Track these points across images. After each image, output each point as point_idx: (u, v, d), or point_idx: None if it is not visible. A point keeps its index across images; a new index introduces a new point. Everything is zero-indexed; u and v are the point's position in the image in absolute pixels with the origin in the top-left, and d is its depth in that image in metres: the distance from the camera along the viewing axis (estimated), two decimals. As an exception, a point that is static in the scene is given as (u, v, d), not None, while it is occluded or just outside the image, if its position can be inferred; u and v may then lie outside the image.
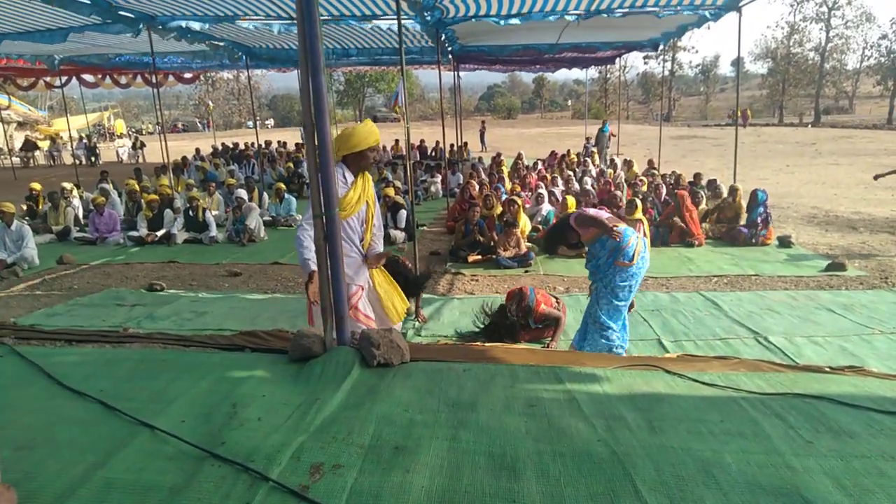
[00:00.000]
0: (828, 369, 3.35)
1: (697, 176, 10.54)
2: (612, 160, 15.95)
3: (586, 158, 16.30)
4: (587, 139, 20.53)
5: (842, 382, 3.10)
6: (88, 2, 7.30)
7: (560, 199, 9.62)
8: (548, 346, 4.58)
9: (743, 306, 5.62)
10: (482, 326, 4.79)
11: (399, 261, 5.26)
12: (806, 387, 3.00)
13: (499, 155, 16.43)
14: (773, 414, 2.69)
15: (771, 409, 2.73)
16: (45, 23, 8.79)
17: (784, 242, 8.16)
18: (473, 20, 9.06)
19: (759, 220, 8.27)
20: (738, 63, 11.20)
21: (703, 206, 9.26)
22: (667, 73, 49.49)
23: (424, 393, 2.93)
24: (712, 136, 31.64)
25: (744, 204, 8.73)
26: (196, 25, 8.92)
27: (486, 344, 4.38)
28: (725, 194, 9.21)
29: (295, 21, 8.67)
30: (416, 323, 5.26)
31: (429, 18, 8.75)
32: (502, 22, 8.95)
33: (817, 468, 2.26)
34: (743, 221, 8.56)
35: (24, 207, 10.60)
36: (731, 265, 7.29)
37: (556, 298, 5.06)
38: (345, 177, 3.71)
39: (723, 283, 6.62)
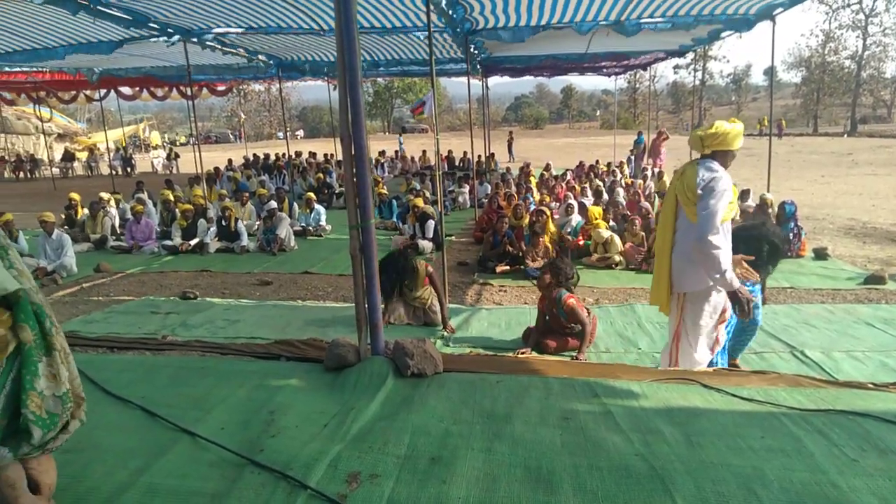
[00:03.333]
0: (871, 385, 3.27)
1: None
2: (644, 170, 15.81)
3: (615, 169, 16.19)
4: (630, 151, 20.35)
5: (887, 399, 3.02)
6: (129, 17, 7.54)
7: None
8: (575, 359, 4.54)
9: (778, 319, 5.51)
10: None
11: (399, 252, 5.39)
12: (849, 403, 2.93)
13: (527, 165, 16.42)
14: (816, 430, 2.64)
15: (813, 426, 2.68)
16: (92, 36, 9.09)
17: (820, 255, 7.98)
18: (502, 32, 9.11)
19: (791, 235, 8.11)
20: (771, 73, 11.04)
21: (736, 217, 9.12)
22: (697, 82, 48.93)
23: (459, 404, 2.94)
24: (745, 146, 30.96)
25: (774, 212, 8.59)
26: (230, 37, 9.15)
27: (518, 356, 4.37)
28: (757, 206, 9.04)
29: (325, 31, 8.78)
30: (445, 333, 5.27)
31: (458, 30, 8.83)
32: (524, 36, 9.01)
33: (864, 488, 2.20)
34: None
35: (63, 216, 10.91)
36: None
37: (588, 310, 5.02)
38: (712, 169, 3.37)
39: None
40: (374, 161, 20.41)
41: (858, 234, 9.49)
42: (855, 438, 2.57)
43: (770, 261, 3.95)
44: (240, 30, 9.28)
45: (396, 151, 24.99)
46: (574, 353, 4.70)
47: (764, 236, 3.94)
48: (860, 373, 4.22)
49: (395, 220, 11.33)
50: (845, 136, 38.79)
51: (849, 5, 46.33)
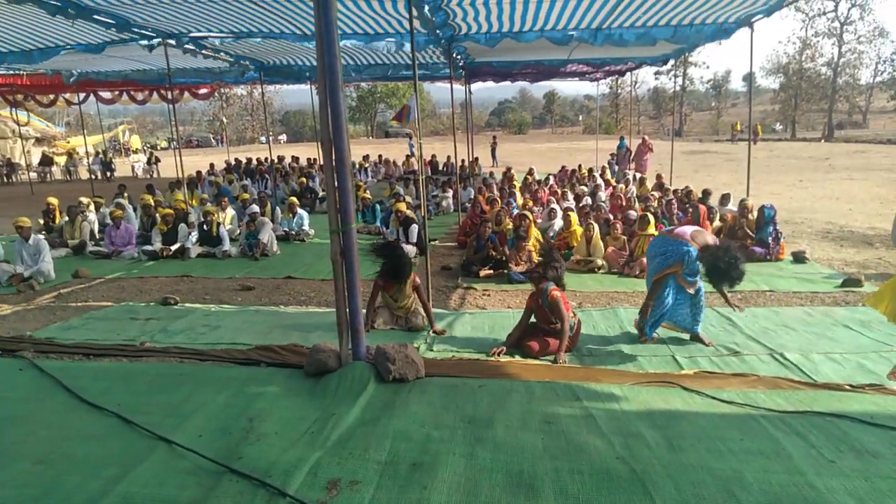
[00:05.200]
0: (848, 387, 3.31)
1: (706, 192, 10.46)
2: (625, 175, 15.94)
3: (596, 174, 16.30)
4: (612, 154, 20.53)
5: (863, 401, 3.06)
6: (110, 20, 7.45)
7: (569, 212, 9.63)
8: (555, 361, 4.54)
9: (758, 322, 5.57)
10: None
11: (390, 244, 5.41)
12: (826, 405, 2.97)
13: (509, 170, 16.47)
14: (794, 432, 2.66)
15: (791, 428, 2.71)
16: (70, 39, 8.97)
17: (798, 258, 8.09)
18: (485, 38, 9.14)
19: (770, 239, 8.21)
20: (750, 78, 11.20)
21: (716, 222, 9.22)
22: (678, 88, 49.55)
23: (440, 409, 2.93)
24: (724, 151, 31.55)
25: (753, 217, 8.70)
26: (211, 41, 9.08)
27: (501, 359, 4.36)
28: (736, 210, 9.14)
29: (308, 36, 8.75)
30: (429, 337, 5.25)
31: (441, 36, 8.84)
32: (505, 42, 9.06)
33: (841, 488, 2.23)
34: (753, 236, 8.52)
35: (41, 221, 10.73)
36: (745, 281, 7.21)
37: (574, 313, 5.03)
38: None
39: (737, 299, 6.55)
40: (357, 165, 20.34)
41: (835, 238, 9.64)
42: (832, 440, 2.60)
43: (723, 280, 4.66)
44: (221, 34, 9.22)
45: (408, 156, 24.96)
46: (554, 357, 4.68)
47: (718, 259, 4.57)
48: (838, 375, 4.27)
49: (378, 224, 11.30)
50: (823, 141, 39.46)
51: (824, 13, 47.31)
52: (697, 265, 4.81)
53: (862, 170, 20.52)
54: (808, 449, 2.52)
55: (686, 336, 5.14)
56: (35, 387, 3.32)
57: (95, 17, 7.24)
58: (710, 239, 4.98)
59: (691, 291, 4.95)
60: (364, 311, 4.97)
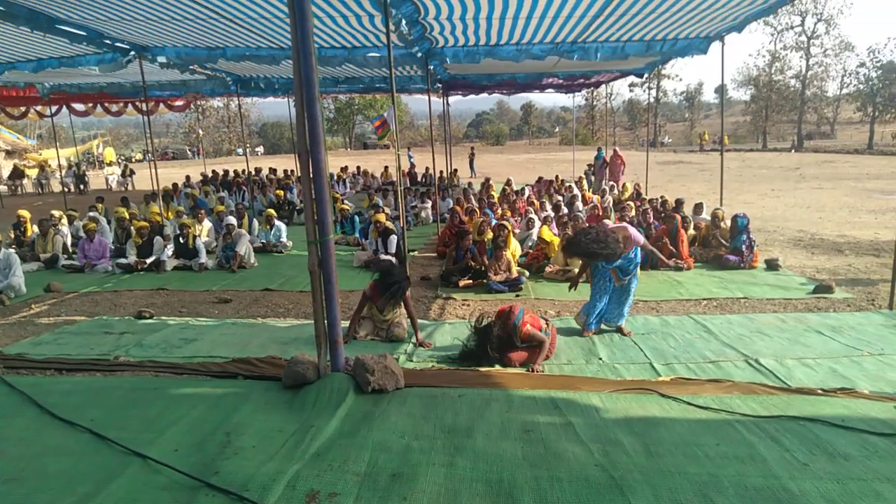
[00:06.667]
0: (820, 392, 3.38)
1: (679, 202, 10.60)
2: (601, 185, 16.13)
3: (572, 184, 16.46)
4: (589, 165, 20.75)
5: (835, 405, 3.12)
6: (83, 32, 7.37)
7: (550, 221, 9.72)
8: (531, 370, 4.55)
9: (733, 329, 5.65)
10: (466, 346, 4.79)
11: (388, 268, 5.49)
12: (800, 409, 3.02)
13: (488, 180, 16.56)
14: (769, 437, 2.71)
15: (766, 432, 2.75)
16: (40, 52, 8.85)
17: (771, 265, 8.24)
18: (462, 53, 9.23)
19: (743, 247, 8.36)
20: (721, 91, 11.45)
21: (690, 231, 9.37)
22: (652, 100, 50.37)
23: (420, 419, 2.92)
24: (698, 161, 32.09)
25: (725, 226, 8.86)
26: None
27: (480, 369, 4.37)
28: (710, 220, 9.30)
29: (285, 49, 8.74)
30: (409, 347, 5.24)
31: (418, 51, 8.90)
32: (481, 58, 9.17)
33: (814, 491, 2.27)
34: (726, 244, 8.67)
35: (12, 235, 10.51)
36: (719, 288, 7.34)
37: (547, 321, 5.06)
38: None
39: (712, 307, 6.66)
40: (335, 177, 20.28)
41: (807, 246, 9.84)
42: (806, 443, 2.65)
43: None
44: (197, 53, 9.17)
45: (411, 163, 25.08)
46: (530, 366, 4.70)
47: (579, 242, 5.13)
48: (811, 379, 4.35)
49: (357, 235, 11.26)
50: (793, 151, 40.34)
51: (792, 27, 48.52)
52: (628, 261, 5.38)
53: (831, 179, 21.02)
54: (783, 452, 2.56)
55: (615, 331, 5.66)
56: (4, 403, 3.24)
57: (65, 28, 7.15)
58: (631, 234, 5.28)
59: (617, 285, 5.51)
60: (344, 322, 4.96)
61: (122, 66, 8.99)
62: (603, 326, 5.69)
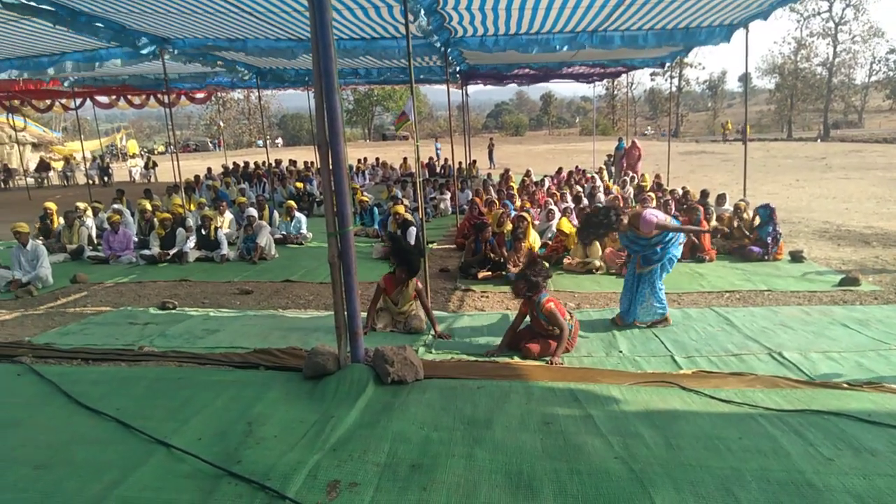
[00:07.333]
0: (846, 385, 3.32)
1: (704, 192, 10.49)
2: (622, 177, 15.98)
3: (594, 175, 16.32)
4: (609, 155, 20.57)
5: (861, 399, 3.07)
6: (103, 26, 7.44)
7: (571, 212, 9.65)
8: (550, 363, 4.54)
9: (756, 322, 5.57)
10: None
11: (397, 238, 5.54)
12: (824, 403, 2.97)
13: (507, 171, 16.48)
14: (792, 431, 2.67)
15: (789, 426, 2.71)
16: (67, 47, 8.97)
17: (796, 257, 8.10)
18: (480, 42, 9.17)
19: (768, 238, 8.22)
20: (745, 79, 11.25)
21: (713, 222, 9.24)
22: (674, 89, 49.62)
23: (439, 410, 2.93)
24: (721, 151, 31.61)
25: (748, 217, 8.72)
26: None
27: (499, 360, 4.37)
28: (732, 211, 9.16)
29: (304, 41, 8.78)
30: (428, 339, 5.25)
31: (437, 41, 8.86)
32: (501, 47, 9.09)
33: (840, 486, 2.23)
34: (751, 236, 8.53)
35: (38, 227, 10.71)
36: (742, 280, 7.24)
37: (571, 315, 5.04)
38: None
39: (735, 299, 6.58)
40: (354, 168, 20.35)
41: (833, 237, 9.66)
42: (830, 438, 2.61)
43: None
44: (218, 44, 9.22)
45: (432, 157, 25.04)
46: (548, 359, 4.68)
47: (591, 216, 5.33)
48: (836, 373, 4.28)
49: (377, 227, 11.30)
50: (818, 140, 39.53)
51: (818, 14, 47.39)
52: (650, 248, 5.30)
53: (858, 169, 20.57)
54: (807, 447, 2.53)
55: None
56: (34, 392, 3.32)
57: (88, 23, 7.22)
58: (645, 217, 5.22)
59: (638, 271, 5.45)
60: (363, 313, 4.99)
61: (147, 59, 9.08)
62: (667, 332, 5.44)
